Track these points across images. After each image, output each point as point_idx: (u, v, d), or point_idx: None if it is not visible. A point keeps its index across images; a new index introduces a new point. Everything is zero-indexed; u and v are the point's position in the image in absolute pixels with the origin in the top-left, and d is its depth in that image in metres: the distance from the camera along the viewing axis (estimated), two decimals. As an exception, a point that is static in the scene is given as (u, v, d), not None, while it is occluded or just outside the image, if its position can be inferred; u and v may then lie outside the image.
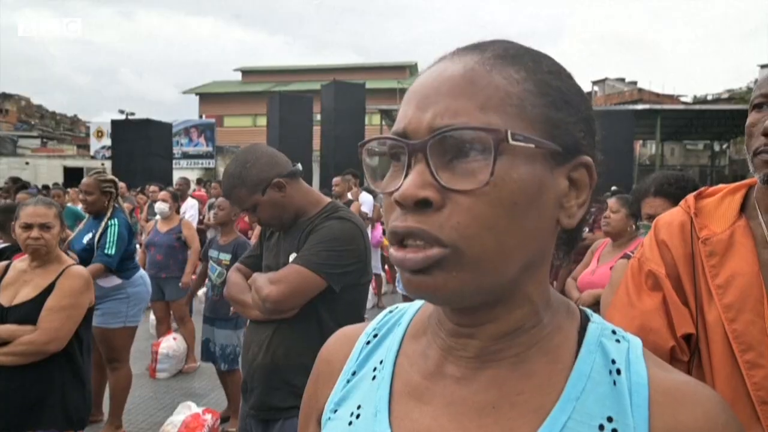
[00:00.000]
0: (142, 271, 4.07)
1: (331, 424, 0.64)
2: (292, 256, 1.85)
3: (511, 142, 0.49)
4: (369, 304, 7.63)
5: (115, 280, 3.81)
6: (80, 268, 2.51)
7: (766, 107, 1.05)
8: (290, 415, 1.81)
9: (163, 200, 5.33)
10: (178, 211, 5.78)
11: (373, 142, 0.57)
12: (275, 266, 1.90)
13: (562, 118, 0.53)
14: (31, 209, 2.44)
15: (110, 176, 3.92)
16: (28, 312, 2.29)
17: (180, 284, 5.10)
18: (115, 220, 3.79)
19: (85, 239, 3.77)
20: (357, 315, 1.90)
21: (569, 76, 0.57)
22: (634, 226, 3.14)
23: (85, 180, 3.84)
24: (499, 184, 0.49)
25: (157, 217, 5.43)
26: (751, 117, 1.08)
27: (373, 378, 0.64)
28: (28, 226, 2.39)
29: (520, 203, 0.50)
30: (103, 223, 3.76)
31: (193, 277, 5.26)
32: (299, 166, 1.97)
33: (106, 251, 3.69)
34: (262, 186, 1.84)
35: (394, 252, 0.52)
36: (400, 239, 0.52)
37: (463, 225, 0.49)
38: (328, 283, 1.77)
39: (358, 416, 0.62)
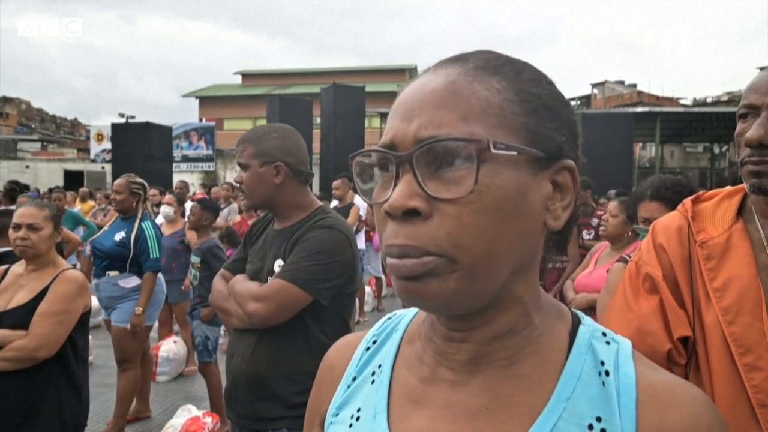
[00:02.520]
0: (158, 274, 4.14)
1: (333, 427, 0.66)
2: (278, 263, 1.82)
3: (493, 151, 0.51)
4: (369, 308, 7.65)
5: (134, 281, 3.91)
6: (75, 273, 2.47)
7: (751, 117, 1.06)
8: (278, 426, 1.77)
9: (169, 204, 5.36)
10: (183, 215, 5.81)
11: (364, 156, 0.58)
12: (260, 271, 1.87)
13: (543, 124, 0.55)
14: (22, 210, 2.45)
15: (140, 180, 4.08)
16: (21, 316, 2.27)
17: (182, 287, 5.11)
18: (148, 222, 3.97)
19: (117, 237, 3.90)
20: (344, 324, 1.86)
21: (550, 83, 0.59)
22: (631, 232, 3.14)
23: (117, 180, 4.04)
24: (483, 191, 0.51)
25: (159, 219, 5.44)
26: (738, 127, 1.09)
27: (372, 382, 0.66)
28: (17, 227, 2.39)
29: (506, 209, 0.52)
30: (136, 225, 3.91)
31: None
32: (312, 172, 1.96)
33: (152, 256, 3.88)
34: (265, 158, 1.84)
35: (389, 259, 0.54)
36: (395, 256, 0.53)
37: (453, 235, 0.51)
38: (316, 298, 1.75)
39: (358, 419, 0.64)
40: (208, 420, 3.71)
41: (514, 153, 0.52)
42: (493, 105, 0.53)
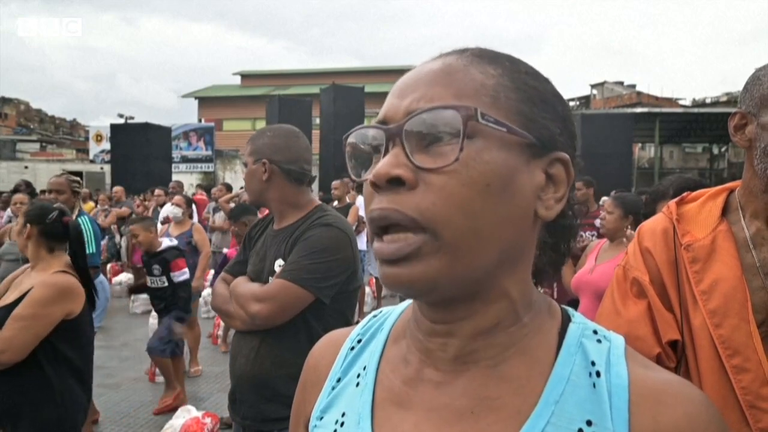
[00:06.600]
0: (101, 277, 4.07)
1: (316, 431, 0.64)
2: (279, 263, 1.83)
3: (480, 120, 0.51)
4: (368, 308, 7.65)
5: None
6: (56, 278, 2.35)
7: None
8: (284, 426, 1.72)
9: (177, 204, 5.34)
10: (191, 216, 5.78)
11: (357, 137, 0.58)
12: (261, 272, 1.87)
13: (538, 112, 0.55)
14: None
15: (76, 177, 3.98)
16: (2, 317, 2.23)
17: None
18: (84, 217, 3.80)
19: None
20: (346, 321, 1.87)
21: (546, 80, 0.59)
22: (630, 225, 3.17)
23: (55, 180, 3.86)
24: (470, 164, 0.50)
25: (160, 220, 5.44)
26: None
27: (357, 384, 0.64)
28: None
29: (493, 186, 0.51)
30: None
31: (205, 282, 5.28)
32: (312, 174, 1.98)
33: (87, 251, 3.67)
34: (256, 156, 1.91)
35: (375, 243, 0.54)
36: (378, 226, 0.53)
37: (438, 205, 0.50)
38: (318, 297, 1.75)
39: (342, 424, 0.62)
40: (208, 420, 3.72)
41: (504, 130, 0.52)
42: (488, 87, 0.53)
